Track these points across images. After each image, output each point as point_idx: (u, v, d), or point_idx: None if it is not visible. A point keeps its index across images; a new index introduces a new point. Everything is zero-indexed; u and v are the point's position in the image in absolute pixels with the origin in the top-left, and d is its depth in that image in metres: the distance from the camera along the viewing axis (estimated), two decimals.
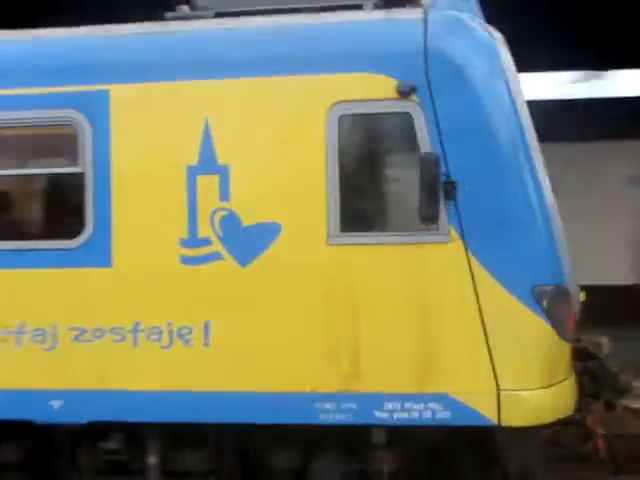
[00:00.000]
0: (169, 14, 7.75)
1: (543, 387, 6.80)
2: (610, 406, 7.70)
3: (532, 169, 6.84)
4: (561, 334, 6.82)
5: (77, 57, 7.58)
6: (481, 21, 7.32)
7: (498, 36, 7.25)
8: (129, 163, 7.32)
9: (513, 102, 6.93)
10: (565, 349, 6.96)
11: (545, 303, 6.73)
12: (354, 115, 6.99)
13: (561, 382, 6.94)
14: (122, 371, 7.23)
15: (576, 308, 7.23)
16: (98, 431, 7.38)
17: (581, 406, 7.31)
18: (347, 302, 6.90)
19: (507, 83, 6.95)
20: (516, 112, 6.91)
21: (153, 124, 7.25)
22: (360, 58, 7.01)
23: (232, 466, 7.48)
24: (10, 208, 7.70)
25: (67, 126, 7.38)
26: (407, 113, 6.86)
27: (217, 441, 7.45)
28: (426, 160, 6.65)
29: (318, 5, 7.52)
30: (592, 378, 7.59)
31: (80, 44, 7.65)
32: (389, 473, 7.14)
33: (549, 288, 6.74)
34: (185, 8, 7.69)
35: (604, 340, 7.93)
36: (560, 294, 6.78)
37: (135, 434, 7.40)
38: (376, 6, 7.42)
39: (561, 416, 6.91)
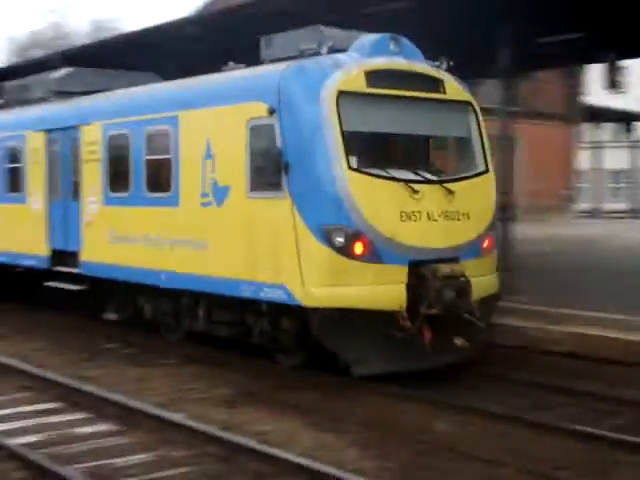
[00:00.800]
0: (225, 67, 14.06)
1: (326, 285, 11.18)
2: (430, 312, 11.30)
3: (327, 159, 11.30)
4: (344, 255, 11.15)
5: (167, 97, 14.74)
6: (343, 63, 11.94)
7: (337, 81, 11.62)
8: (184, 154, 13.63)
9: (319, 118, 11.42)
10: (350, 265, 11.17)
11: (326, 235, 11.16)
12: (256, 125, 12.16)
13: (349, 284, 11.18)
14: (186, 262, 13.48)
15: (368, 240, 11.25)
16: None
17: (408, 307, 11.26)
18: (250, 229, 12.18)
19: (319, 106, 11.43)
20: (320, 125, 11.37)
21: (191, 133, 13.54)
22: (250, 95, 12.40)
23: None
24: (148, 174, 14.62)
25: (165, 135, 14.10)
26: (272, 124, 11.81)
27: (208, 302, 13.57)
28: (275, 150, 11.74)
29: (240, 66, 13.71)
30: (415, 292, 11.36)
31: (167, 90, 15.04)
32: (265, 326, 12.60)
33: (329, 226, 11.19)
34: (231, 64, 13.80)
35: (444, 268, 11.52)
36: (338, 229, 11.15)
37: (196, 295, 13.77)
38: (271, 61, 13.04)
39: (346, 306, 11.15)
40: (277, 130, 11.76)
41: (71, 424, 9.88)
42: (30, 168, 17.57)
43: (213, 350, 13.90)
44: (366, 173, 11.58)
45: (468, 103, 12.93)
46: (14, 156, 18.25)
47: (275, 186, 11.73)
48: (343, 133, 11.41)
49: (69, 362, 13.32)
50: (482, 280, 12.17)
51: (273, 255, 11.82)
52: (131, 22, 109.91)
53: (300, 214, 11.43)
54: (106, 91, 16.51)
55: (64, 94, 17.42)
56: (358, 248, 11.25)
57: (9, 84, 19.83)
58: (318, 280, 11.28)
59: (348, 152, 11.41)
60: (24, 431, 9.60)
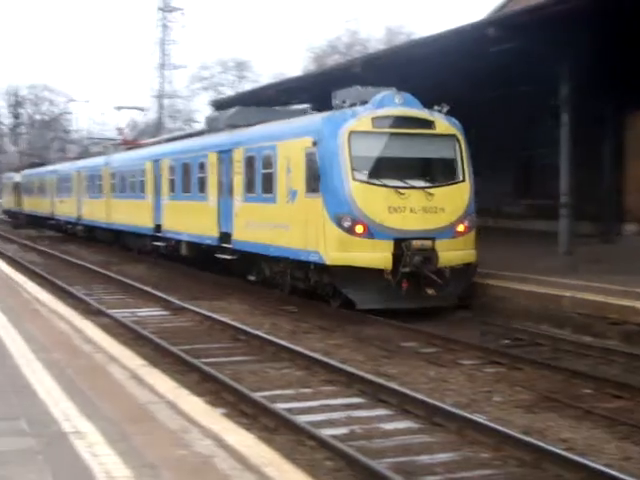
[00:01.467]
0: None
1: (339, 251, 17.30)
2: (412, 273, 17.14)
3: (339, 175, 17.48)
4: (349, 233, 17.24)
5: (272, 132, 20.97)
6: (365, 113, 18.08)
7: (351, 124, 17.71)
8: (278, 170, 19.83)
9: (337, 148, 17.53)
10: (353, 239, 17.23)
11: (338, 220, 17.29)
12: (307, 152, 18.35)
13: (353, 252, 17.23)
14: (280, 239, 19.58)
15: (369, 223, 17.24)
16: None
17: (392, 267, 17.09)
18: (305, 215, 18.45)
19: (337, 140, 17.55)
20: (337, 153, 17.49)
21: (281, 156, 19.60)
22: (306, 133, 18.61)
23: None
24: (263, 182, 20.94)
25: (270, 157, 20.42)
26: (314, 152, 18.01)
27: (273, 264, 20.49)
28: (315, 168, 17.97)
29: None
30: (396, 257, 17.07)
31: (273, 127, 21.37)
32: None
33: (340, 215, 17.29)
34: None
35: (416, 243, 17.23)
36: (344, 216, 17.23)
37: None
38: (312, 109, 23.00)
39: (353, 264, 17.15)
40: (317, 155, 18.09)
41: (375, 419, 10.14)
42: (209, 177, 24.36)
43: (514, 352, 14.01)
44: (365, 182, 17.65)
45: (453, 135, 18.50)
46: (201, 169, 25.22)
47: (315, 190, 18.09)
48: (351, 158, 17.55)
49: (369, 358, 13.67)
50: (455, 253, 17.83)
51: (314, 233, 17.96)
52: (424, 27, 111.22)
53: (325, 207, 17.73)
54: (255, 125, 22.54)
55: (232, 126, 23.80)
56: (358, 229, 17.41)
57: (208, 117, 27.89)
58: (334, 247, 17.51)
59: (354, 169, 17.56)
60: (331, 423, 9.96)
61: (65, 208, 45.35)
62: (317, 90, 30.14)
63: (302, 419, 9.84)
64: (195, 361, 12.73)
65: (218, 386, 11.40)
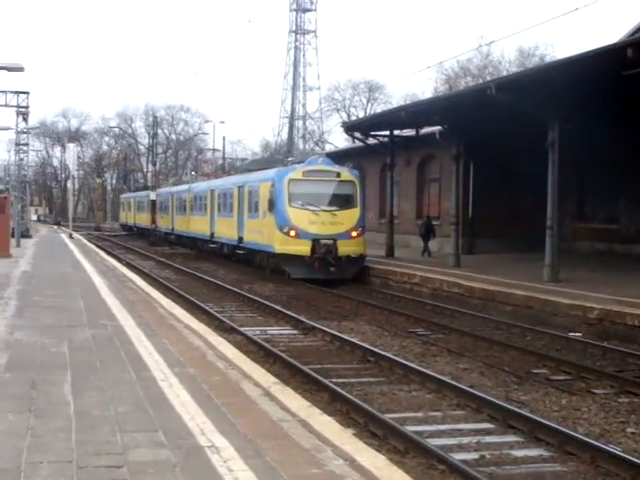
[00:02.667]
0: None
1: (281, 245, 30.37)
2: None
3: (282, 204, 30.65)
4: (287, 236, 30.12)
5: (256, 176, 36.45)
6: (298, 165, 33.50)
7: (291, 175, 31.29)
8: (260, 198, 33.50)
9: (282, 188, 30.88)
10: (290, 239, 30.03)
11: (281, 229, 30.37)
12: (269, 190, 31.71)
13: (289, 245, 30.01)
14: (260, 240, 33.02)
15: (298, 230, 30.00)
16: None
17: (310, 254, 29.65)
18: (268, 227, 31.80)
19: (282, 184, 30.87)
20: (282, 191, 30.76)
21: (260, 192, 33.41)
22: (269, 179, 32.23)
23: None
24: (249, 205, 35.62)
25: (256, 190, 34.65)
26: (272, 190, 31.41)
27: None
28: (273, 198, 31.59)
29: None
30: (312, 249, 29.70)
31: (257, 174, 36.77)
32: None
33: (282, 225, 30.40)
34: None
35: (324, 241, 29.68)
36: (284, 226, 30.21)
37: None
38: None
39: (289, 253, 29.97)
40: (273, 192, 30.96)
41: (506, 446, 10.02)
42: (233, 202, 38.17)
43: None
44: (297, 207, 30.20)
45: (352, 181, 31.17)
46: (231, 196, 39.04)
47: (271, 211, 30.97)
48: (289, 194, 30.36)
49: (499, 384, 13.54)
50: (349, 248, 29.77)
51: (270, 235, 30.88)
52: (561, 48, 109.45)
53: (275, 221, 30.56)
54: (254, 171, 39.08)
55: (247, 171, 41.35)
56: (292, 233, 29.80)
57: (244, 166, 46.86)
58: (279, 243, 30.24)
59: (290, 200, 30.31)
60: (460, 447, 9.91)
61: (162, 222, 60.82)
62: (448, 113, 30.23)
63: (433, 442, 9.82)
64: (325, 381, 12.85)
65: (348, 406, 11.47)
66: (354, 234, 30.14)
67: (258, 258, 33.82)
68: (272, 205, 30.72)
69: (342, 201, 30.70)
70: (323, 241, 29.36)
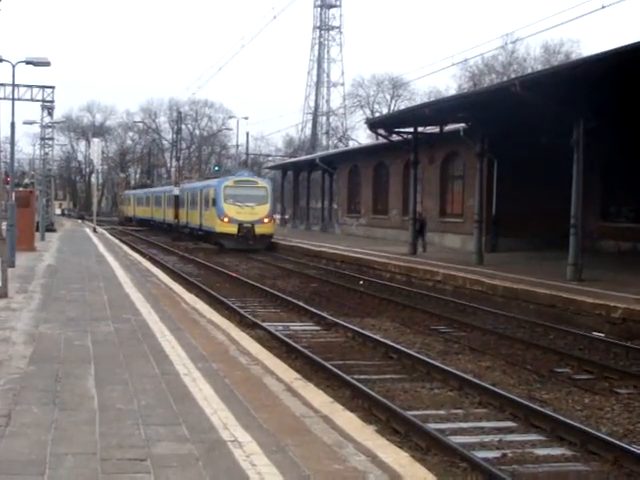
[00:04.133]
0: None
1: (219, 227, 48.34)
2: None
3: (220, 201, 48.48)
4: (223, 221, 47.72)
5: (206, 183, 57.33)
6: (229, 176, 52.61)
7: (225, 182, 49.67)
8: (205, 198, 53.41)
9: (220, 192, 48.70)
10: (225, 223, 47.60)
11: (219, 217, 48.16)
12: (213, 192, 50.39)
13: (224, 227, 47.73)
14: (204, 223, 53.33)
15: (230, 217, 47.61)
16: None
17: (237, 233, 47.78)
18: (211, 214, 50.70)
19: (220, 189, 48.85)
20: (220, 194, 48.70)
21: (206, 193, 53.67)
22: (213, 185, 51.08)
23: None
24: (201, 202, 54.71)
25: (206, 192, 53.51)
26: (215, 192, 49.57)
27: None
28: (214, 198, 49.79)
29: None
30: (239, 229, 47.10)
31: (208, 181, 57.16)
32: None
33: (220, 214, 48.26)
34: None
35: (245, 224, 47.81)
36: (221, 215, 48.02)
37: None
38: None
39: (224, 232, 47.83)
40: (215, 194, 49.19)
41: (528, 444, 9.98)
42: (197, 199, 55.15)
43: None
44: (229, 204, 47.96)
45: (265, 187, 49.63)
46: (196, 196, 55.57)
47: (214, 205, 49.00)
48: (225, 195, 48.37)
49: (521, 382, 13.50)
50: (262, 229, 47.19)
51: (212, 221, 49.27)
52: (587, 45, 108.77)
53: (216, 212, 48.50)
54: (208, 179, 59.77)
55: (205, 178, 65.33)
56: (225, 220, 47.66)
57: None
58: (218, 225, 48.16)
59: (225, 199, 48.21)
60: (482, 446, 9.89)
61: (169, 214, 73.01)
62: (473, 110, 30.08)
63: (454, 440, 9.81)
64: (347, 377, 12.86)
65: (370, 403, 11.48)
66: (266, 220, 47.64)
67: (208, 236, 51.35)
68: (214, 202, 48.59)
69: (258, 199, 47.88)
70: (245, 225, 46.49)
